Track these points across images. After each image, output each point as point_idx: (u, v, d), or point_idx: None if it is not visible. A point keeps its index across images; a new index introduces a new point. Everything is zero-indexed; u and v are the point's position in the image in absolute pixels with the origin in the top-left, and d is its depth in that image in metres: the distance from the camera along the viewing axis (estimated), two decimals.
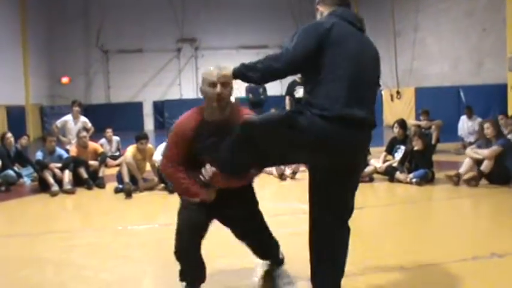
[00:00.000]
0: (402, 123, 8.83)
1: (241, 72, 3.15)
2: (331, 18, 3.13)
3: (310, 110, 2.97)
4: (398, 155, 8.49)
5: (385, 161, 8.64)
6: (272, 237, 3.97)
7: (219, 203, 3.44)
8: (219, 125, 3.41)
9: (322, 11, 3.28)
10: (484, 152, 7.60)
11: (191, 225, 3.41)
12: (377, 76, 3.30)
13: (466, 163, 7.70)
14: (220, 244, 4.19)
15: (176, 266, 3.64)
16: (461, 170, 7.67)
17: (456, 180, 7.61)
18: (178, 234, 3.47)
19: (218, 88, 3.34)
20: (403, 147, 8.44)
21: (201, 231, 3.46)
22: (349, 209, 3.30)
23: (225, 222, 3.71)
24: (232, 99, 3.68)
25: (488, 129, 7.66)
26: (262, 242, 3.94)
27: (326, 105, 2.94)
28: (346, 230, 3.31)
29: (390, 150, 8.83)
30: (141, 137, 8.28)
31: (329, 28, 3.01)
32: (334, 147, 3.00)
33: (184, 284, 3.64)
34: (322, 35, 2.99)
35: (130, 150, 8.36)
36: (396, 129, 8.77)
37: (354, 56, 3.04)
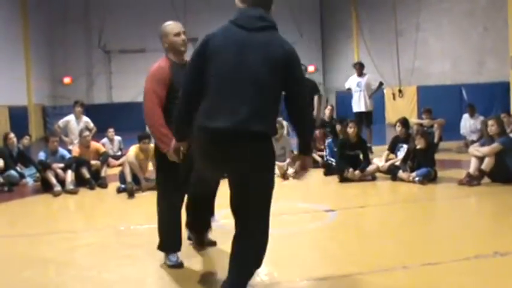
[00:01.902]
0: (404, 122, 8.83)
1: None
2: (222, 27, 3.33)
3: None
4: (401, 153, 8.48)
5: (387, 159, 8.64)
6: None
7: None
8: (183, 65, 4.16)
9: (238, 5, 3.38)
10: (484, 150, 7.58)
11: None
12: (280, 77, 3.22)
13: (473, 162, 7.64)
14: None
15: (179, 268, 3.63)
16: (471, 170, 7.60)
17: (468, 180, 7.51)
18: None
19: (182, 36, 4.27)
20: (405, 146, 8.44)
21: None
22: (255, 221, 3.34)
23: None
24: None
25: (492, 126, 7.64)
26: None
27: (197, 118, 3.30)
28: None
29: (393, 149, 8.83)
30: (144, 137, 8.28)
31: (202, 49, 3.26)
32: (203, 157, 3.35)
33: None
34: (199, 57, 3.28)
35: (133, 150, 8.37)
36: (398, 128, 8.78)
37: (226, 67, 3.18)
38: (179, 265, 4.35)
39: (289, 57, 3.24)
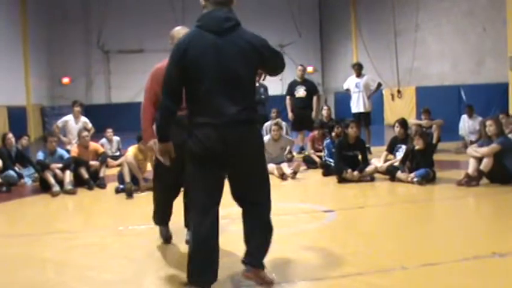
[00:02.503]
0: (403, 123, 8.83)
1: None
2: (191, 33, 3.59)
3: None
4: (400, 154, 8.48)
5: (386, 160, 8.64)
6: None
7: None
8: None
9: (204, 7, 3.59)
10: (483, 150, 7.58)
11: None
12: (259, 65, 3.68)
13: (472, 163, 7.64)
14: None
15: (178, 268, 3.64)
16: (470, 170, 7.60)
17: (467, 181, 7.51)
18: None
19: None
20: (404, 147, 8.43)
21: None
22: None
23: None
24: None
25: (491, 126, 7.63)
26: None
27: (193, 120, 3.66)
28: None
29: (391, 149, 8.83)
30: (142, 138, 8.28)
31: (181, 58, 3.50)
32: (205, 154, 3.60)
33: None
34: (178, 64, 3.51)
35: (132, 150, 8.37)
36: (397, 129, 8.77)
37: (210, 72, 3.48)
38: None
39: (260, 48, 3.61)
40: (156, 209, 5.13)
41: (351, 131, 8.41)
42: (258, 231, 3.77)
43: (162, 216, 5.14)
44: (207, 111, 3.50)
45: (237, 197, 3.77)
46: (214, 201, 3.62)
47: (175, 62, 3.53)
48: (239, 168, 3.65)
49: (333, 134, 9.30)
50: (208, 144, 3.48)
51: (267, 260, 3.69)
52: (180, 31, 4.69)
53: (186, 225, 4.81)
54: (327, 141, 9.33)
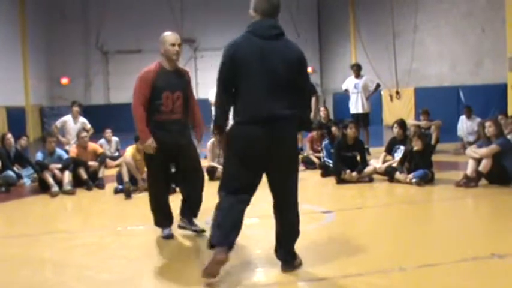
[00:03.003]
0: (402, 124, 8.83)
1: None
2: (241, 36, 4.00)
3: None
4: (398, 155, 8.48)
5: (384, 161, 8.63)
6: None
7: None
8: (172, 71, 5.16)
9: (253, 16, 4.05)
10: (482, 151, 7.59)
11: None
12: (295, 74, 3.99)
13: (471, 164, 7.64)
14: None
15: (175, 267, 3.63)
16: (468, 171, 7.60)
17: (466, 182, 7.51)
18: None
19: (177, 47, 5.09)
20: (402, 148, 8.43)
21: None
22: None
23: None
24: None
25: (490, 127, 7.63)
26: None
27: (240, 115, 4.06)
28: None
29: (390, 150, 8.82)
30: None
31: (233, 55, 3.90)
32: (248, 150, 3.99)
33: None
34: (229, 63, 3.91)
35: (130, 150, 8.37)
36: (396, 130, 8.77)
37: (255, 71, 3.89)
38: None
39: (299, 59, 4.04)
40: (155, 209, 5.34)
41: (350, 131, 8.41)
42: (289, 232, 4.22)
43: (162, 215, 5.33)
44: (250, 108, 3.89)
45: (275, 192, 4.10)
46: (249, 194, 3.99)
47: (226, 60, 3.93)
48: (278, 164, 3.99)
49: (333, 133, 9.33)
50: (251, 139, 3.87)
51: (265, 261, 3.68)
52: (169, 36, 5.13)
53: (181, 213, 5.36)
54: (325, 142, 9.33)
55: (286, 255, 4.17)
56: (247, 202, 3.97)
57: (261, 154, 3.90)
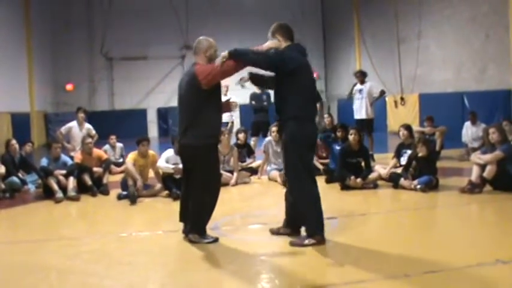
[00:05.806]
0: (408, 126, 8.81)
1: (235, 55, 5.19)
2: (293, 51, 5.21)
3: None
4: (405, 159, 8.45)
5: (395, 167, 8.56)
6: None
7: None
8: None
9: (281, 41, 5.25)
10: (486, 157, 7.57)
11: None
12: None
13: (475, 170, 7.62)
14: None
15: (180, 273, 3.63)
16: (473, 177, 7.58)
17: (470, 188, 7.49)
18: None
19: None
20: (409, 151, 8.40)
21: None
22: None
23: None
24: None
25: (494, 133, 7.63)
26: None
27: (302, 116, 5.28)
28: None
29: (398, 155, 8.74)
30: (142, 139, 8.31)
31: (299, 62, 5.15)
32: (310, 144, 5.42)
33: None
34: (295, 64, 5.09)
35: (131, 156, 8.36)
36: (401, 132, 8.72)
37: (307, 81, 5.23)
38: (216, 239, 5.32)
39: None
40: (204, 217, 5.36)
41: (351, 137, 8.42)
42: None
43: (207, 221, 5.41)
44: (307, 108, 5.15)
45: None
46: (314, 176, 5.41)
47: (290, 59, 5.07)
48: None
49: (338, 135, 9.37)
50: (314, 133, 5.29)
51: (268, 267, 3.67)
52: (215, 43, 5.60)
53: (181, 220, 5.51)
54: (336, 147, 9.27)
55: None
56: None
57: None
